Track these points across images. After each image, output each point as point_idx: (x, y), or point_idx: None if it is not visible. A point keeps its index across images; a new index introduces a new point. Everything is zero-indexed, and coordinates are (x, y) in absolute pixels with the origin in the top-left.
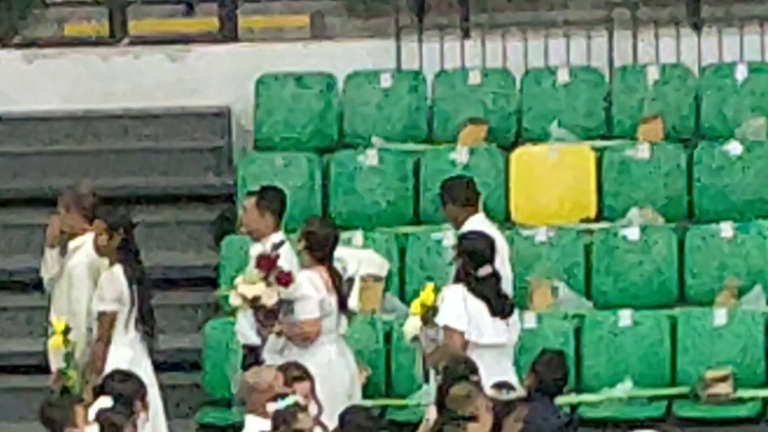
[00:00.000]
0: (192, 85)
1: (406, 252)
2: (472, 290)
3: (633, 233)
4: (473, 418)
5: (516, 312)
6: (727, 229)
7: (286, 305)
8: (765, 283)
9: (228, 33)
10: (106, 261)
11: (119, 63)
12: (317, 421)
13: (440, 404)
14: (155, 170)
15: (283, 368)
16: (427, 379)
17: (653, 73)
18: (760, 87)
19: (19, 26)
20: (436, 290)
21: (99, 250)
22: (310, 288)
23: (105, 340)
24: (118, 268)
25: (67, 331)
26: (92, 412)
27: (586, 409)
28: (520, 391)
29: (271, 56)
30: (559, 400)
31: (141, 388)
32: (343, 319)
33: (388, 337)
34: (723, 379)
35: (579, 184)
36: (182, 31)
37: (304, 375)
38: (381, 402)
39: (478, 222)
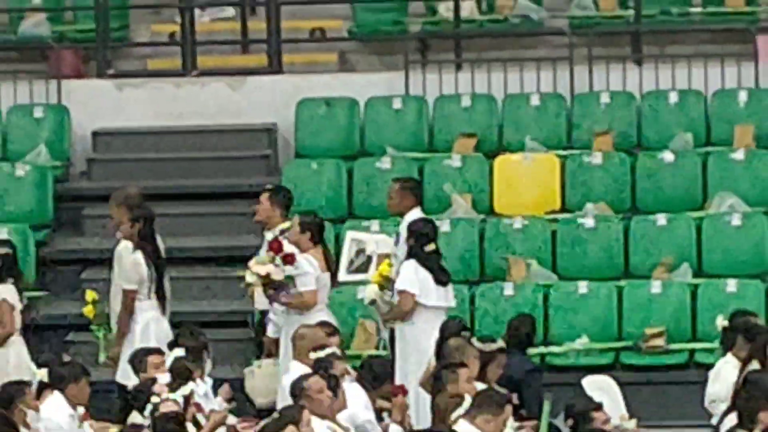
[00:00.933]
0: (246, 107)
1: None
2: (421, 263)
3: (589, 222)
4: (464, 365)
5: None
6: (662, 219)
7: (290, 279)
8: (691, 261)
9: (275, 67)
10: (131, 244)
11: (189, 90)
12: (345, 368)
13: (438, 354)
14: (218, 173)
15: (319, 326)
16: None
17: (605, 98)
18: (688, 109)
19: (112, 61)
20: (391, 266)
21: (123, 235)
22: (309, 266)
23: (128, 311)
24: (138, 255)
25: (95, 301)
26: (168, 362)
27: (552, 358)
28: (501, 344)
29: (308, 85)
30: (531, 351)
31: (206, 342)
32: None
33: None
34: (659, 335)
35: (547, 184)
36: (239, 65)
37: (335, 331)
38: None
39: (418, 212)
